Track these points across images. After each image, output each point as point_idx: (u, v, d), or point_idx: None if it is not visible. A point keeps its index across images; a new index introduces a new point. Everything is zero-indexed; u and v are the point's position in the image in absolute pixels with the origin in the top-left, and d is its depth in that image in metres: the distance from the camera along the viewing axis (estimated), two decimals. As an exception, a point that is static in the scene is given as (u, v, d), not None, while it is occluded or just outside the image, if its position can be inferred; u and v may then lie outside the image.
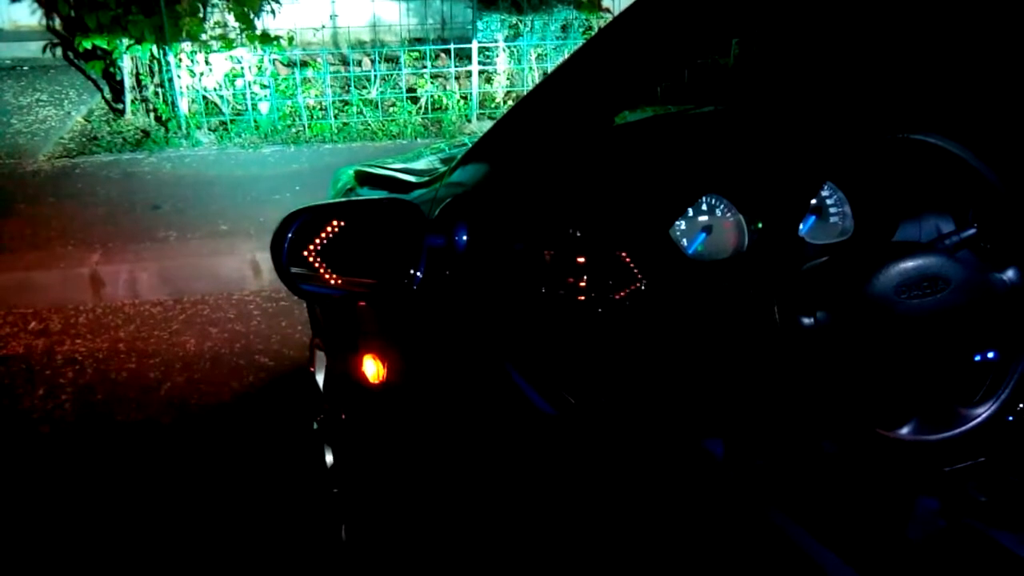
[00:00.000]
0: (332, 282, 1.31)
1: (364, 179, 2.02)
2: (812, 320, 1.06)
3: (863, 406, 1.07)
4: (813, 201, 1.35)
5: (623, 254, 1.18)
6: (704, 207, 1.31)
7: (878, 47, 1.37)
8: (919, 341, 1.09)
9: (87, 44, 5.95)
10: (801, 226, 1.32)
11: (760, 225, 1.27)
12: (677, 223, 1.29)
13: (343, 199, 1.83)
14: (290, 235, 1.28)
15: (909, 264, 1.07)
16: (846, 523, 0.96)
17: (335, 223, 1.30)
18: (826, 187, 1.37)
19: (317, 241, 1.29)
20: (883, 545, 0.95)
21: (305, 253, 1.28)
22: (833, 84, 1.52)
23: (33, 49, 7.66)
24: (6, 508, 2.78)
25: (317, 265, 1.29)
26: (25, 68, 7.51)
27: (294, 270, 1.32)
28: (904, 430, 1.09)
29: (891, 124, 1.20)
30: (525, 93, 1.33)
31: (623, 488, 1.13)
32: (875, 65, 1.42)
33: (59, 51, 7.60)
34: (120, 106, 6.49)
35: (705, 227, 1.31)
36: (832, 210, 1.37)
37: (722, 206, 1.32)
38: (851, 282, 1.07)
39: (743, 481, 1.05)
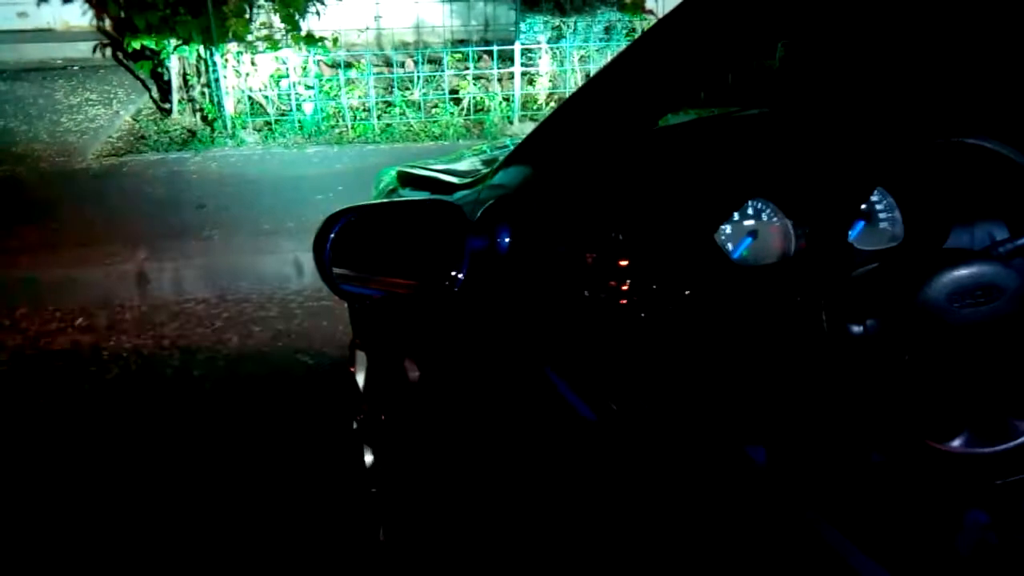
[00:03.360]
0: (373, 283, 1.31)
1: (406, 180, 2.02)
2: (861, 328, 1.04)
3: (913, 417, 1.05)
4: (862, 206, 1.32)
5: (666, 258, 1.17)
6: (750, 211, 1.29)
7: (931, 49, 1.34)
8: (972, 351, 1.06)
9: (136, 44, 6.05)
10: (850, 232, 1.30)
11: (808, 230, 1.25)
12: (722, 227, 1.28)
13: (386, 200, 1.84)
14: (332, 236, 1.28)
15: (962, 272, 1.05)
16: (892, 534, 0.94)
17: (377, 224, 1.30)
18: (876, 192, 1.34)
19: (358, 242, 1.29)
20: (930, 558, 0.93)
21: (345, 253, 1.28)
22: (883, 86, 1.49)
23: (84, 49, 7.80)
24: (55, 503, 2.83)
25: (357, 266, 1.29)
26: (76, 68, 7.65)
27: (336, 270, 1.32)
28: (955, 442, 1.06)
29: (943, 127, 1.17)
30: (567, 95, 1.33)
31: (663, 495, 1.11)
32: (927, 67, 1.39)
33: (109, 51, 7.73)
34: (167, 106, 6.58)
35: (751, 232, 1.29)
36: (882, 215, 1.35)
37: (768, 210, 1.30)
38: (902, 290, 1.05)
39: (787, 490, 1.03)
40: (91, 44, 7.77)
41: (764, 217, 1.29)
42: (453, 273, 1.30)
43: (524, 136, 1.44)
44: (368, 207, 1.36)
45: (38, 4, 7.99)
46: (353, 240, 1.33)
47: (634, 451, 1.14)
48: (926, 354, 1.04)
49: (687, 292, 1.16)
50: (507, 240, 1.30)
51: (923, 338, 1.04)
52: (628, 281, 1.17)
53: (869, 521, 0.95)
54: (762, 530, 0.97)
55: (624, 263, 1.17)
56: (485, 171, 1.59)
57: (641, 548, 1.10)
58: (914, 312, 1.03)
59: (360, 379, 2.48)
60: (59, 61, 7.79)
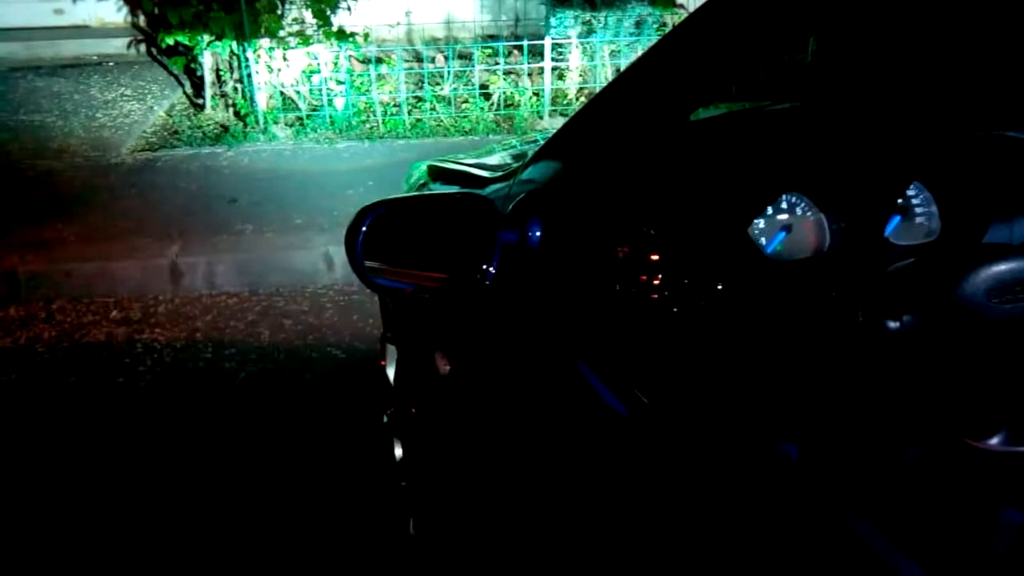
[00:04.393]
0: (404, 276, 1.32)
1: (437, 174, 2.03)
2: (898, 324, 1.03)
3: (950, 414, 1.03)
4: (899, 201, 1.31)
5: (699, 252, 1.16)
6: (784, 205, 1.28)
7: (968, 39, 1.32)
8: (1011, 348, 1.04)
9: (169, 40, 6.09)
10: (886, 227, 1.28)
11: (843, 225, 1.24)
12: (755, 221, 1.27)
13: (417, 194, 1.84)
14: (364, 229, 1.29)
15: (1001, 267, 1.03)
16: (928, 532, 0.93)
17: (409, 217, 1.30)
18: (912, 186, 1.32)
19: (389, 235, 1.30)
20: (966, 556, 0.92)
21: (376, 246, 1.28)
22: (919, 79, 1.47)
23: (118, 45, 7.88)
24: (89, 493, 2.87)
25: (388, 259, 1.30)
26: (111, 64, 7.73)
27: (368, 264, 1.32)
28: (993, 440, 1.05)
29: (982, 120, 1.16)
30: (598, 89, 1.32)
31: (695, 491, 1.11)
32: (965, 58, 1.37)
33: (143, 47, 7.80)
34: (200, 101, 6.63)
35: (784, 226, 1.28)
36: (918, 210, 1.33)
37: (803, 204, 1.28)
38: (939, 285, 1.03)
39: (821, 485, 1.02)
40: (125, 40, 7.84)
41: (798, 211, 1.28)
42: (484, 266, 1.30)
43: (554, 131, 1.44)
44: (400, 200, 1.36)
45: (74, 1, 8.08)
46: (385, 233, 1.34)
47: (666, 446, 1.13)
48: (964, 350, 1.03)
49: (719, 287, 1.15)
50: (538, 234, 1.30)
51: (961, 334, 1.02)
52: (660, 275, 1.16)
53: (904, 518, 0.94)
54: (796, 526, 0.96)
55: (656, 257, 1.17)
56: (515, 165, 1.59)
57: (672, 543, 1.09)
58: (952, 308, 1.02)
59: (390, 373, 2.49)
60: (94, 57, 7.88)
